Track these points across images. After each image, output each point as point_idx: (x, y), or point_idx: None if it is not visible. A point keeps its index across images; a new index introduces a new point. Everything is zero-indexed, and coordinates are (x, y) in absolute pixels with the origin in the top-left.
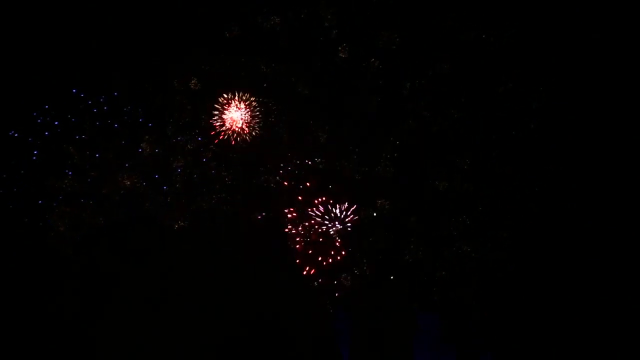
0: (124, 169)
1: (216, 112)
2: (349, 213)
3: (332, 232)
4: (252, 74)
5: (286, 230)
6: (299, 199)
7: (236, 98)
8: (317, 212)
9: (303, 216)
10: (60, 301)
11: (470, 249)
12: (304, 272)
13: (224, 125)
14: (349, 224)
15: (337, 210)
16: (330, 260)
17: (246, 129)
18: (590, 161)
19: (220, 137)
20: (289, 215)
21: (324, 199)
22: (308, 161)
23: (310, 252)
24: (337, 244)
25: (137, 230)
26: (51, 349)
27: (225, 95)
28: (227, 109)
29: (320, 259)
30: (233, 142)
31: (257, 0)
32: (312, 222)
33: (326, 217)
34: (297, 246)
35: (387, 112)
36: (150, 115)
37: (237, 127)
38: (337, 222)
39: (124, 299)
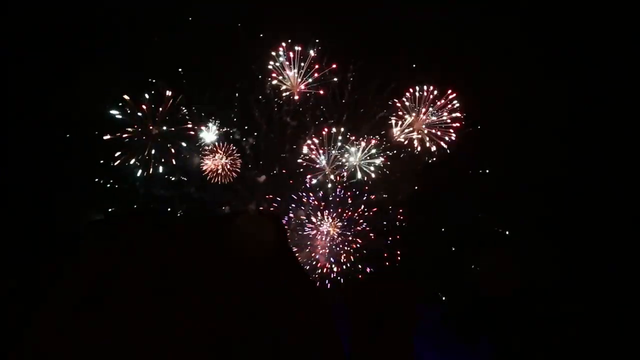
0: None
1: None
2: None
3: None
4: None
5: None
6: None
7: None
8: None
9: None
10: (59, 298)
11: (471, 245)
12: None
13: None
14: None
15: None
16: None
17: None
18: (591, 162)
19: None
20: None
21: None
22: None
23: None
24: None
25: (137, 227)
26: (50, 347)
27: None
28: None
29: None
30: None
31: None
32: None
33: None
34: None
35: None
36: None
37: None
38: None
39: (123, 297)
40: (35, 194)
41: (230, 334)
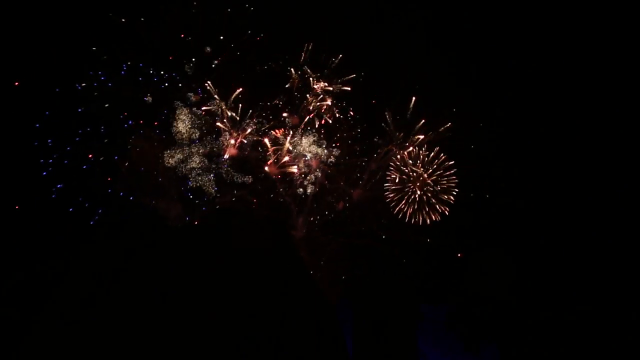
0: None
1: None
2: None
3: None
4: None
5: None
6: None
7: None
8: None
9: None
10: (59, 298)
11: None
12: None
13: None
14: None
15: None
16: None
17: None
18: (592, 161)
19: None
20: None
21: None
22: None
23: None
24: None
25: (137, 228)
26: (50, 347)
27: None
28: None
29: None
30: None
31: None
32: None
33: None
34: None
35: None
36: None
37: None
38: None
39: (123, 297)
40: (36, 194)
41: (231, 333)
